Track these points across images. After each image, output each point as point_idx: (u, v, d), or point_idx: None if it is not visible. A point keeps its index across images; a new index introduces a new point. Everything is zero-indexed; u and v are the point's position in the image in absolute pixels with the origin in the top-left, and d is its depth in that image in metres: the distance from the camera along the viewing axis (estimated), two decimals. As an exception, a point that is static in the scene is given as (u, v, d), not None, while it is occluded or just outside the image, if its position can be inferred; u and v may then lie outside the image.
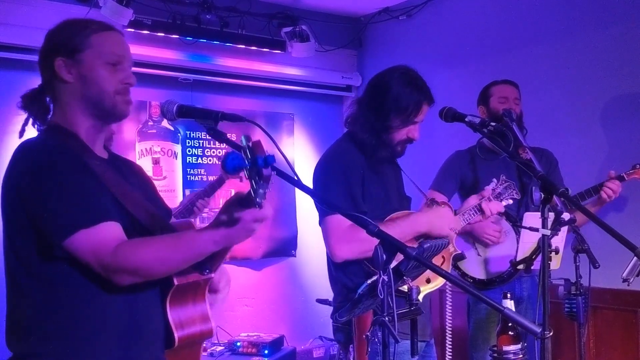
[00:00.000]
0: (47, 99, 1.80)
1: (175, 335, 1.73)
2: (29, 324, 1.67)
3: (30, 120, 1.79)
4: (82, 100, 1.75)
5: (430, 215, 2.44)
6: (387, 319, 1.54)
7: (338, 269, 2.46)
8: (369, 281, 1.80)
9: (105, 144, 1.87)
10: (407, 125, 2.42)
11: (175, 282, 1.72)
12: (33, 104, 1.79)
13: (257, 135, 1.54)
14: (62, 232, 1.59)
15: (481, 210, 2.56)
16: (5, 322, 1.72)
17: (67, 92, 1.76)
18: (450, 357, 2.98)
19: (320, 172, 2.48)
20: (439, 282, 2.43)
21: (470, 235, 3.15)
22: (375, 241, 2.05)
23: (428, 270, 2.02)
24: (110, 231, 1.62)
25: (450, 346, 2.94)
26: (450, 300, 2.85)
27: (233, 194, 1.69)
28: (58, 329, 1.66)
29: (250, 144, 1.44)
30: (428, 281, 2.41)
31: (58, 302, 1.66)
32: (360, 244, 2.24)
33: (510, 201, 2.71)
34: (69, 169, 1.65)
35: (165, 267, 1.65)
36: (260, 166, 1.41)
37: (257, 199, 1.42)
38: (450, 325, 2.87)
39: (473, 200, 2.61)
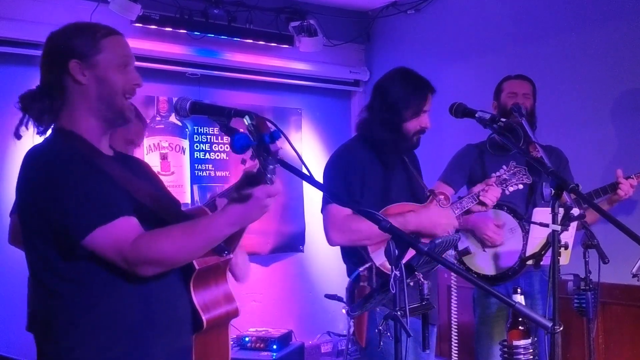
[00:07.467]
0: (50, 100, 1.77)
1: (203, 317, 1.77)
2: (62, 324, 1.69)
3: (31, 123, 1.76)
4: (93, 101, 1.77)
5: (421, 216, 2.55)
6: (399, 313, 1.55)
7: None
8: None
9: (126, 147, 1.89)
10: (418, 115, 2.61)
11: (197, 266, 1.77)
12: (33, 105, 1.77)
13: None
14: (80, 232, 1.62)
15: (480, 202, 2.64)
16: (33, 325, 1.75)
17: (79, 93, 1.77)
18: (456, 351, 2.99)
19: (325, 169, 2.71)
20: None
21: (471, 234, 3.15)
22: (367, 233, 2.42)
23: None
24: (128, 225, 1.65)
25: (456, 341, 2.95)
26: (456, 295, 2.86)
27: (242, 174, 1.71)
28: (91, 326, 1.68)
29: (254, 123, 1.50)
30: None
31: (87, 300, 1.68)
32: (351, 233, 2.51)
33: (521, 186, 2.74)
34: (81, 169, 1.67)
35: (185, 254, 1.68)
36: (267, 142, 1.46)
37: (268, 175, 1.48)
38: (455, 320, 2.89)
39: (477, 188, 2.69)
